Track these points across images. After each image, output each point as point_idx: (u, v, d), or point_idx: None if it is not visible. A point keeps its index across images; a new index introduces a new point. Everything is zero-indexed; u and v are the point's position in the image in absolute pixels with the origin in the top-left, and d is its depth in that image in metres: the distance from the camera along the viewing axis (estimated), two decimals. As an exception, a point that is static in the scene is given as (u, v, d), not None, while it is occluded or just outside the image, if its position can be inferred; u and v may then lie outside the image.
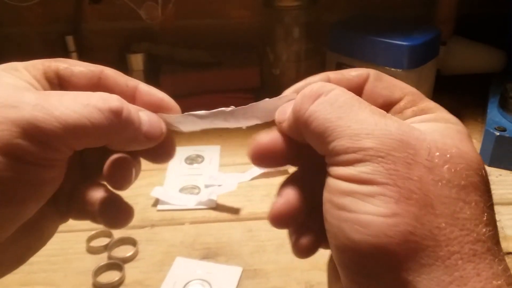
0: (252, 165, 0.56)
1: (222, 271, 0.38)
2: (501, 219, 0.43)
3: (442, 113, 0.22)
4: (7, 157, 0.20)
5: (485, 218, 0.19)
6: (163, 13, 0.61)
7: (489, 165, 0.51)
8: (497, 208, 0.47)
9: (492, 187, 0.51)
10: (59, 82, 0.25)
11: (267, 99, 0.25)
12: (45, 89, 0.24)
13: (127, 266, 0.39)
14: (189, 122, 0.26)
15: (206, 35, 0.69)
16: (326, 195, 0.20)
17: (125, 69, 0.65)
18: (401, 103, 0.23)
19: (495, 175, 0.50)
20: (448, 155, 0.19)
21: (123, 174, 0.25)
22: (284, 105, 0.24)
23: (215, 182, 0.50)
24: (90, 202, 0.25)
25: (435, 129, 0.21)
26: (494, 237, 0.19)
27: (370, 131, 0.19)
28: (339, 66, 0.58)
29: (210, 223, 0.44)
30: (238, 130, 0.66)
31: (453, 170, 0.19)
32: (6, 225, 0.21)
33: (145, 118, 0.24)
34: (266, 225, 0.43)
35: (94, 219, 0.26)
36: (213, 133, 0.60)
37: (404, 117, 0.23)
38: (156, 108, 0.26)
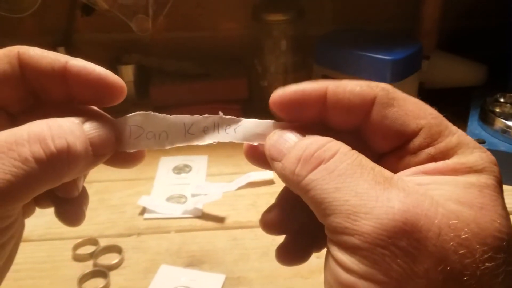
0: (238, 175, 0.57)
1: (206, 278, 0.39)
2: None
3: (465, 155, 0.19)
4: None
5: None
6: (154, 25, 0.62)
7: (469, 176, 0.53)
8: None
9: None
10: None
11: (246, 120, 0.23)
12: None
13: (112, 274, 0.39)
14: (150, 124, 0.23)
15: (195, 47, 0.70)
16: (327, 276, 0.19)
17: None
18: (416, 141, 0.19)
19: (474, 185, 0.52)
20: (463, 236, 0.16)
21: (74, 215, 0.23)
22: (279, 142, 0.21)
23: (201, 191, 0.51)
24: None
25: (451, 192, 0.18)
26: None
27: (370, 209, 0.17)
28: (325, 79, 0.59)
29: (195, 231, 0.45)
30: (225, 140, 0.67)
31: (468, 257, 0.16)
32: None
33: (93, 134, 0.21)
34: (250, 233, 0.44)
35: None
36: (201, 143, 0.61)
37: (419, 161, 0.19)
38: (96, 88, 0.21)
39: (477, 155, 0.19)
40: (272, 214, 0.23)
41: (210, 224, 0.46)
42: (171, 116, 0.22)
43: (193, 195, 0.50)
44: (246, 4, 0.67)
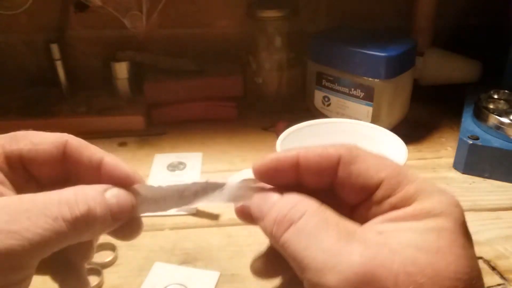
0: (233, 172, 0.57)
1: (200, 275, 0.39)
2: (474, 224, 0.45)
3: (423, 200, 0.20)
4: None
5: None
6: (148, 22, 0.62)
7: (463, 173, 0.53)
8: (469, 214, 0.48)
9: (466, 193, 0.53)
10: (22, 165, 0.25)
11: (228, 182, 0.26)
12: (6, 176, 0.24)
13: (105, 271, 0.39)
14: (150, 193, 0.26)
15: (189, 44, 0.70)
16: None
17: (110, 77, 0.66)
18: (379, 193, 0.21)
19: (468, 182, 0.52)
20: (420, 281, 0.17)
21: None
22: (260, 203, 0.23)
23: (196, 188, 0.50)
24: None
25: (410, 238, 0.19)
26: None
27: (334, 265, 0.18)
28: (320, 76, 0.59)
29: (189, 228, 0.45)
30: (220, 137, 0.67)
31: None
32: None
33: (113, 201, 0.24)
34: (244, 230, 0.44)
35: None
36: (196, 140, 0.61)
37: (383, 210, 0.21)
38: (121, 183, 0.25)
39: (436, 200, 0.20)
40: (259, 262, 0.26)
41: (204, 221, 0.46)
42: (167, 185, 0.26)
43: (187, 193, 0.50)
44: (240, 1, 0.67)
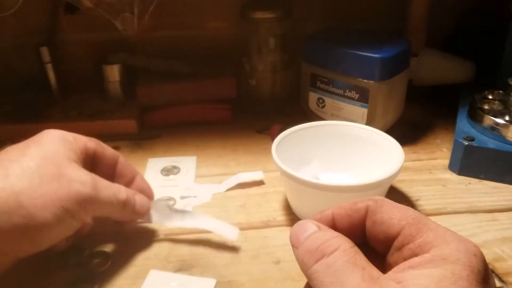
0: (228, 176, 0.56)
1: (196, 283, 0.38)
2: (471, 227, 0.45)
3: (441, 247, 0.21)
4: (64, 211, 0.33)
5: None
6: (139, 24, 0.61)
7: (459, 174, 0.53)
8: (466, 216, 0.48)
9: (462, 195, 0.53)
10: (92, 159, 0.39)
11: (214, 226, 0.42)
12: (81, 161, 0.37)
13: (100, 280, 0.39)
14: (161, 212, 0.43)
15: (182, 46, 0.69)
16: None
17: (101, 80, 0.65)
18: (399, 239, 0.23)
19: (464, 183, 0.52)
20: None
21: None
22: (298, 231, 0.25)
23: (191, 193, 0.50)
24: None
25: (427, 285, 0.20)
26: None
27: None
28: (314, 77, 0.59)
29: (185, 235, 0.44)
30: (214, 140, 0.67)
31: None
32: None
33: (139, 201, 0.40)
34: (240, 236, 0.43)
35: None
36: (190, 143, 0.61)
37: (403, 256, 0.23)
38: (142, 192, 0.42)
39: (454, 247, 0.21)
40: None
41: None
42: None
43: (182, 197, 0.49)
44: (234, 2, 0.66)
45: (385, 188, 0.44)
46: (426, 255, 0.21)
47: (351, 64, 0.55)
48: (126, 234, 0.44)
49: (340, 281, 0.21)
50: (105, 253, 0.41)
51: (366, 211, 0.25)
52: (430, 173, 0.54)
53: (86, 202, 0.34)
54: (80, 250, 0.42)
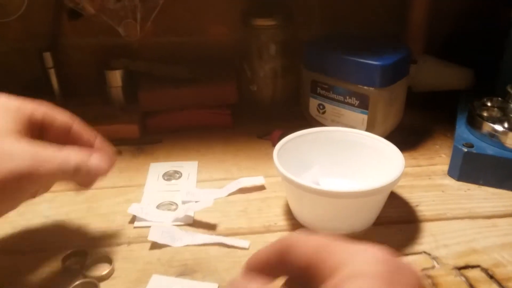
0: (229, 181, 0.57)
1: (198, 287, 0.39)
2: (470, 232, 0.45)
3: (347, 266, 0.21)
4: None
5: None
6: (142, 30, 0.62)
7: (458, 180, 0.53)
8: (466, 222, 0.48)
9: (462, 201, 0.53)
10: (40, 128, 0.37)
11: None
12: (25, 130, 0.35)
13: (102, 285, 0.39)
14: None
15: (184, 52, 0.70)
16: None
17: (104, 85, 0.66)
18: (309, 272, 0.23)
19: (463, 189, 0.52)
20: None
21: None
22: None
23: (192, 198, 0.50)
24: None
25: None
26: None
27: None
28: (314, 84, 0.60)
29: (187, 239, 0.45)
30: (216, 145, 0.67)
31: None
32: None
33: (94, 162, 0.37)
34: (242, 240, 0.43)
35: None
36: (191, 148, 0.61)
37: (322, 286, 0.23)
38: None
39: (359, 260, 0.21)
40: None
41: (201, 231, 0.46)
42: None
43: (183, 202, 0.50)
44: (235, 9, 0.67)
45: (386, 194, 0.44)
46: (334, 279, 0.21)
47: (352, 71, 0.55)
48: (129, 239, 0.44)
49: None
50: (107, 258, 0.41)
51: (281, 254, 0.24)
52: (430, 179, 0.54)
53: (24, 177, 0.33)
54: (83, 255, 0.42)
